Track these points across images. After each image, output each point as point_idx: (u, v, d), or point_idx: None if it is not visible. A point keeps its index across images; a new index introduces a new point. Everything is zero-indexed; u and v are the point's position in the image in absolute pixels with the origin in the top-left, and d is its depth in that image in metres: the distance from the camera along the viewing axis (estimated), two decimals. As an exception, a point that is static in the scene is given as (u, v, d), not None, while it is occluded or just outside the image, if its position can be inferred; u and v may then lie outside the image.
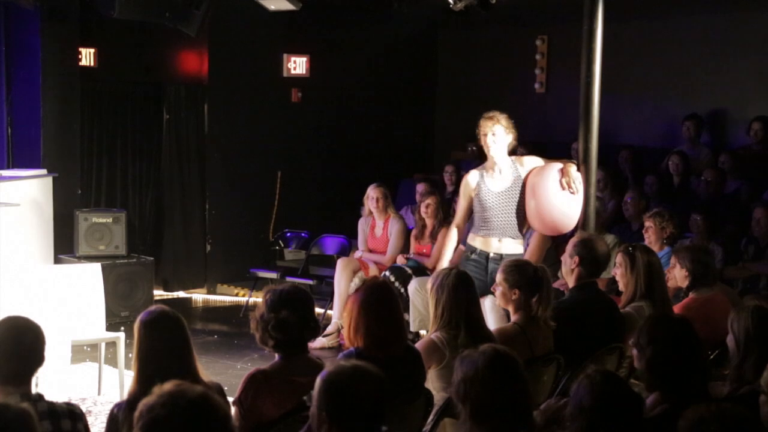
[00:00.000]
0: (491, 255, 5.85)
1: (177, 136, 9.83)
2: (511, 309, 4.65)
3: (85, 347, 7.01)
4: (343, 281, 7.78)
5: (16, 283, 5.81)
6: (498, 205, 5.89)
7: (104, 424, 3.60)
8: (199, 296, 9.80)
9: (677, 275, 5.28)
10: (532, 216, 5.86)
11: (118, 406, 3.49)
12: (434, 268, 7.25)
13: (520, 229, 5.94)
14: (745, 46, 8.94)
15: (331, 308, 8.03)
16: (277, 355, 3.80)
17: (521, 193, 5.88)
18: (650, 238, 6.48)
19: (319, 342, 7.41)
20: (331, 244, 9.03)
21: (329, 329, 7.72)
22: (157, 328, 3.54)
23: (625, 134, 9.37)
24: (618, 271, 5.24)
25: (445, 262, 5.94)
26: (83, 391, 6.47)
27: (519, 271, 4.60)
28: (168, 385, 2.46)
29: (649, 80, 9.45)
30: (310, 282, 8.59)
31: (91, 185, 9.49)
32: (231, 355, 7.24)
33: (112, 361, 6.60)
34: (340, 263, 7.97)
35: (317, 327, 3.95)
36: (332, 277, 8.04)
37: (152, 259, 8.91)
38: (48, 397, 3.44)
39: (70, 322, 5.80)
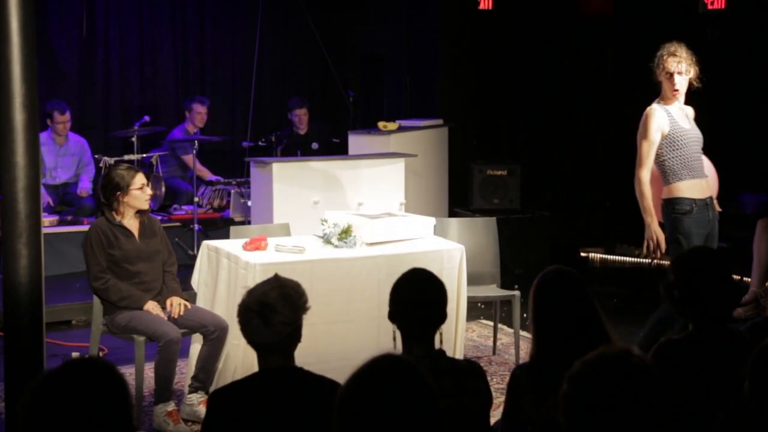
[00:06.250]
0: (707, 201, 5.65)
1: (572, 83, 9.74)
2: None
3: (479, 304, 7.21)
4: (764, 244, 7.27)
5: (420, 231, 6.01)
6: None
7: (500, 385, 3.65)
8: (597, 255, 9.75)
9: None
10: None
11: (520, 368, 3.48)
12: None
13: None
14: None
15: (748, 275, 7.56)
16: (690, 325, 3.63)
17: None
18: None
19: (735, 313, 7.00)
20: (749, 201, 8.49)
21: (746, 298, 7.24)
22: (553, 290, 3.48)
23: None
24: None
25: None
26: (477, 350, 6.67)
27: None
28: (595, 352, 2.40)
29: None
30: (722, 244, 8.14)
31: (487, 135, 9.69)
32: (633, 321, 7.07)
33: (506, 320, 6.74)
34: (761, 224, 7.45)
35: (740, 295, 3.72)
36: (750, 239, 7.57)
37: (548, 214, 8.96)
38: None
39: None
